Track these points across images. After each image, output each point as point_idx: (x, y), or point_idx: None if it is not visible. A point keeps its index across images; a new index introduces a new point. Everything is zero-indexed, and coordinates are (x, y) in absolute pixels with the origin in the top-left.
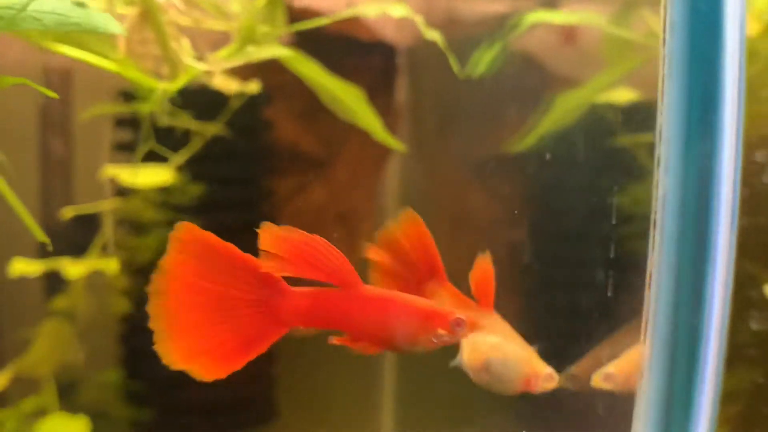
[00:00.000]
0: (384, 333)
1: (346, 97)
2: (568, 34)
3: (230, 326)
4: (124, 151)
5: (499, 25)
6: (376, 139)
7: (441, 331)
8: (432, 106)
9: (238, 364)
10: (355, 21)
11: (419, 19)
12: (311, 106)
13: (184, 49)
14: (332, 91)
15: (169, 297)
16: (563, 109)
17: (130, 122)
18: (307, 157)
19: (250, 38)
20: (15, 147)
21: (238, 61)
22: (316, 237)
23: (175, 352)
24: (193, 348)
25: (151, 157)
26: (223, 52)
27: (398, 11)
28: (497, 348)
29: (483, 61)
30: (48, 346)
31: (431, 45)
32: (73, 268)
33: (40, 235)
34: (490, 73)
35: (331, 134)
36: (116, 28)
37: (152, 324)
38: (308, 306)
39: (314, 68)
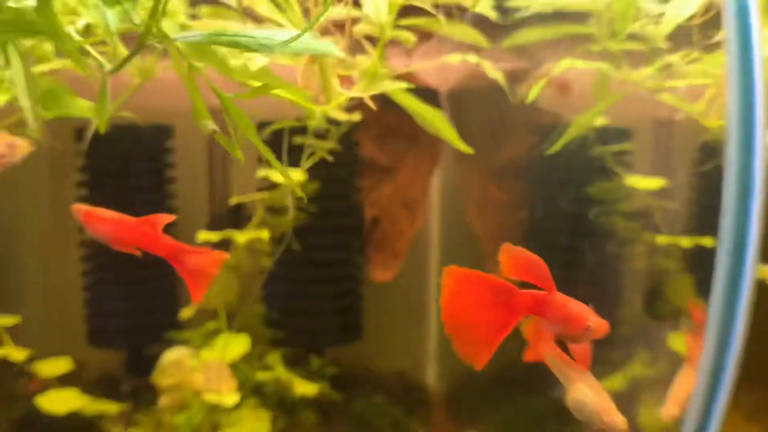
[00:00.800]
0: (560, 326)
1: (431, 116)
2: (563, 85)
3: (492, 326)
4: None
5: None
6: (449, 145)
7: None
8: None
9: (494, 350)
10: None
11: (487, 65)
12: (381, 132)
13: (336, 83)
14: (422, 113)
15: (454, 321)
16: (576, 128)
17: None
18: (379, 165)
19: (372, 77)
20: (191, 154)
21: (368, 93)
22: (537, 258)
23: (466, 354)
24: (475, 348)
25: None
26: (357, 87)
27: (472, 59)
28: (584, 397)
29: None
30: (220, 289)
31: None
32: (241, 237)
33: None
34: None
35: (395, 151)
36: (338, 52)
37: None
38: (531, 303)
39: (410, 98)
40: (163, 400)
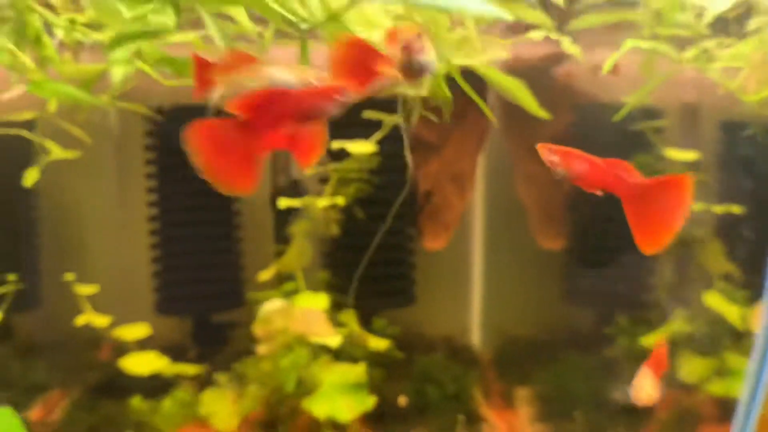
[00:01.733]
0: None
1: (512, 85)
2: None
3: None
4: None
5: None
6: (527, 111)
7: None
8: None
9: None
10: None
11: (566, 43)
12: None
13: None
14: (503, 82)
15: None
16: (634, 101)
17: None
18: (427, 142)
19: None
20: None
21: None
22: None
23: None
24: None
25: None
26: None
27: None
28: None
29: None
30: (296, 253)
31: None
32: (320, 202)
33: None
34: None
35: (441, 128)
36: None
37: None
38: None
39: (497, 72)
40: (263, 348)
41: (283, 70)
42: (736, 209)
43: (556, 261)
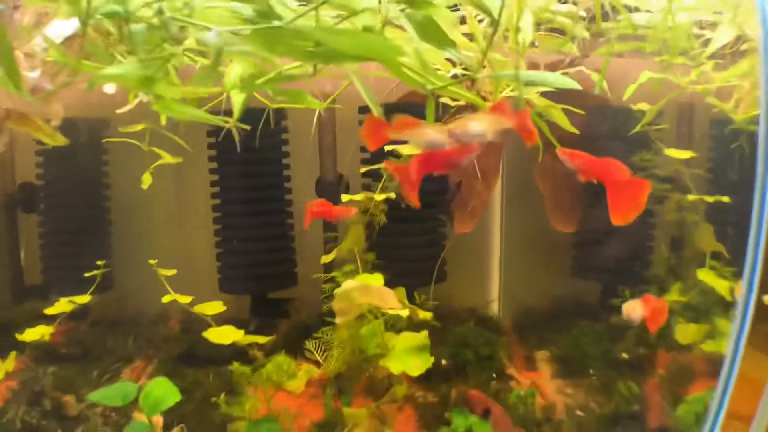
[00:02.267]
0: None
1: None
2: None
3: None
4: None
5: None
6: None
7: None
8: None
9: None
10: None
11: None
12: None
13: None
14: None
15: None
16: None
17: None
18: None
19: None
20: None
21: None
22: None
23: None
24: None
25: None
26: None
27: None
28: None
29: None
30: (353, 238)
31: None
32: (378, 196)
33: None
34: None
35: None
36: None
37: None
38: None
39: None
40: (340, 320)
41: (437, 131)
42: (725, 199)
43: (568, 242)
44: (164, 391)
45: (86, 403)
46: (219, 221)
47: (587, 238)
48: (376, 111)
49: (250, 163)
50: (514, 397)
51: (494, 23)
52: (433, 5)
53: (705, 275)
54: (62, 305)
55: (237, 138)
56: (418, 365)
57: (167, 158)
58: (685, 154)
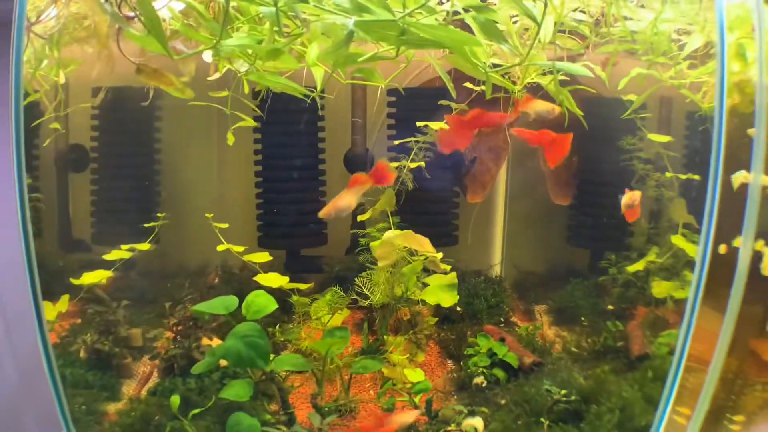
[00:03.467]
0: None
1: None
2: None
3: None
4: None
5: None
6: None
7: None
8: None
9: None
10: None
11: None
12: (467, 96)
13: None
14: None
15: None
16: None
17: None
18: None
19: None
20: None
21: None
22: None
23: None
24: None
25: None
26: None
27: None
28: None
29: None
30: (385, 201)
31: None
32: (411, 164)
33: None
34: None
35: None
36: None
37: None
38: None
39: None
40: (382, 263)
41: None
42: (695, 177)
43: (563, 214)
44: (265, 301)
45: (150, 336)
46: (260, 185)
47: (580, 211)
48: (453, 92)
49: (291, 135)
50: (523, 329)
51: (537, 25)
52: (493, 11)
53: (678, 240)
54: (120, 252)
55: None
56: (448, 299)
57: (249, 122)
58: (664, 138)
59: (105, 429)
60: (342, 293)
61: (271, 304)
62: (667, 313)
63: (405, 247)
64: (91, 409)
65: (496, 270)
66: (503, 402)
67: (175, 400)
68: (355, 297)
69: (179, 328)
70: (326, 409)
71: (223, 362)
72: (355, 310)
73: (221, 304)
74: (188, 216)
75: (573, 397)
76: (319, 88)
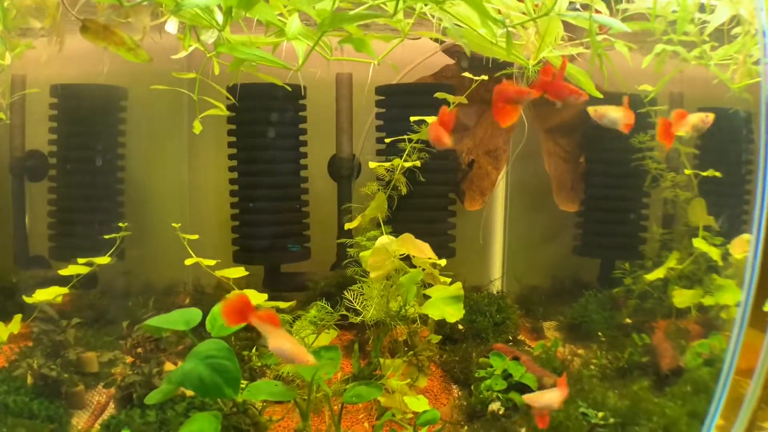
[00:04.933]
0: None
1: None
2: None
3: None
4: None
5: None
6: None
7: None
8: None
9: None
10: None
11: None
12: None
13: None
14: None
15: None
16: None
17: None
18: (461, 123)
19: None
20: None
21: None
22: None
23: None
24: None
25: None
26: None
27: None
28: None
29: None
30: (376, 206)
31: None
32: (407, 163)
33: None
34: None
35: (472, 112)
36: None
37: None
38: None
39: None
40: (375, 274)
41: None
42: (717, 173)
43: (568, 224)
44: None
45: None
46: (236, 194)
47: (588, 218)
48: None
49: (269, 137)
50: (539, 347)
51: None
52: None
53: (700, 243)
54: (77, 268)
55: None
56: (453, 313)
57: (220, 109)
58: (681, 132)
59: None
60: (329, 308)
61: None
62: (689, 324)
63: (401, 256)
64: None
65: (497, 285)
66: None
67: None
68: (344, 313)
69: (138, 351)
70: None
71: (189, 391)
72: (344, 330)
73: (181, 318)
74: (157, 229)
75: (611, 420)
76: (301, 63)
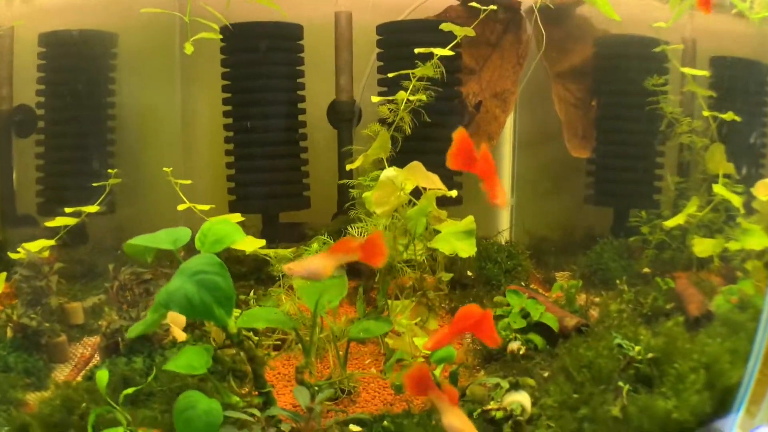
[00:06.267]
0: None
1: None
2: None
3: None
4: None
5: None
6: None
7: None
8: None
9: None
10: None
11: None
12: (468, 41)
13: None
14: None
15: None
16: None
17: None
18: (467, 67)
19: None
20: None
21: None
22: None
23: None
24: None
25: None
26: None
27: None
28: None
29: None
30: (379, 145)
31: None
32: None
33: None
34: None
35: (479, 55)
36: None
37: None
38: None
39: None
40: (380, 210)
41: None
42: (736, 117)
43: (578, 172)
44: (226, 229)
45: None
46: (230, 140)
47: (601, 166)
48: None
49: (264, 80)
50: (557, 288)
51: None
52: None
53: (720, 189)
54: (64, 219)
55: None
56: (464, 248)
57: (213, 33)
58: (700, 72)
59: (13, 421)
60: (331, 242)
61: (236, 234)
62: (711, 275)
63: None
64: (4, 397)
65: (505, 236)
66: (547, 375)
67: (102, 377)
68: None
69: (125, 295)
70: (317, 387)
71: (182, 335)
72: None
73: (168, 238)
74: (149, 181)
75: (650, 355)
76: None
